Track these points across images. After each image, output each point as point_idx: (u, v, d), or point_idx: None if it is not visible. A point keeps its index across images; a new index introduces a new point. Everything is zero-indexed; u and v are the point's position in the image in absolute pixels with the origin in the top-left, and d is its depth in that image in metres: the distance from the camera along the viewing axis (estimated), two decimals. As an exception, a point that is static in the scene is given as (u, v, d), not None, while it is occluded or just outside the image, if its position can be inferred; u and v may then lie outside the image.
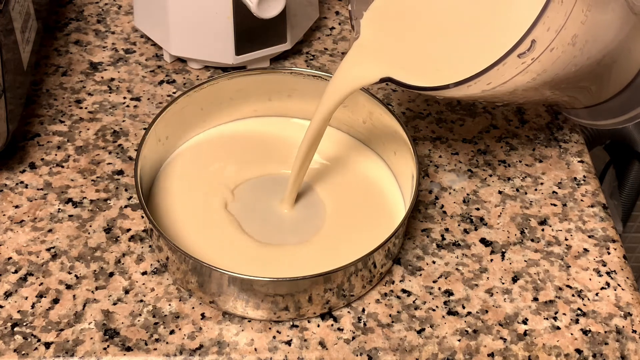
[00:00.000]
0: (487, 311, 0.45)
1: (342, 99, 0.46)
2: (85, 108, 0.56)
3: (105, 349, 0.42)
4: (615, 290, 0.47)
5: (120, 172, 0.52)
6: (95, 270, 0.46)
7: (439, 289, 0.46)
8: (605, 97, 0.51)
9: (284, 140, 0.53)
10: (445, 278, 0.47)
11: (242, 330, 0.43)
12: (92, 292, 0.45)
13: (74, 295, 0.45)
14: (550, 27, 0.38)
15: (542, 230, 0.50)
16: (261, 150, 0.53)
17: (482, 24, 0.46)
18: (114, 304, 0.44)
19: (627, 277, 0.47)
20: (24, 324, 0.43)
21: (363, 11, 0.47)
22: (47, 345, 0.42)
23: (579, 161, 0.55)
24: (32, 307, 0.44)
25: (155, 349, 0.42)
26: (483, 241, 0.49)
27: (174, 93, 0.58)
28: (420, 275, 0.47)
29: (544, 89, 0.46)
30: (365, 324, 0.44)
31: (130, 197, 0.50)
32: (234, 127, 0.54)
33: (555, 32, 0.39)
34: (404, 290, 0.46)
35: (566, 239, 0.49)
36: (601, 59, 0.47)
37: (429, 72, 0.44)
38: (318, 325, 0.44)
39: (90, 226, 0.48)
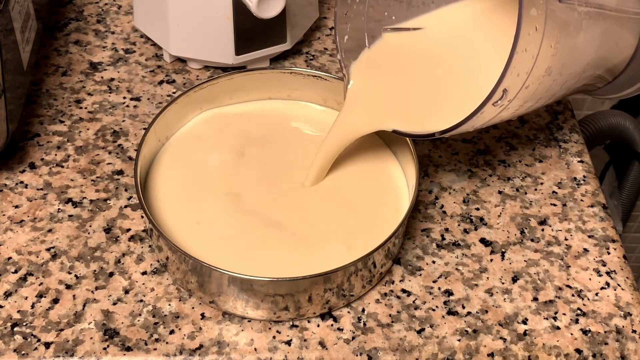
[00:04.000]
0: (487, 311, 0.45)
1: (340, 149, 0.48)
2: (85, 108, 0.56)
3: (105, 349, 0.42)
4: (615, 290, 0.47)
5: (120, 172, 0.52)
6: (95, 270, 0.46)
7: (439, 289, 0.46)
8: (616, 73, 0.51)
9: (281, 121, 0.53)
10: (445, 278, 0.47)
11: (242, 330, 0.43)
12: (92, 292, 0.45)
13: (73, 295, 0.45)
14: (520, 72, 0.39)
15: (542, 230, 0.50)
16: (254, 130, 0.52)
17: (462, 73, 0.48)
18: (114, 304, 0.44)
19: (627, 277, 0.47)
20: (24, 324, 0.43)
21: (352, 59, 0.49)
22: (47, 345, 0.42)
23: (578, 161, 0.55)
24: (32, 307, 0.44)
25: (155, 349, 0.42)
26: (483, 241, 0.49)
27: (174, 93, 0.58)
28: (420, 275, 0.47)
29: (537, 105, 0.46)
30: (365, 324, 0.44)
31: (130, 197, 0.50)
32: (222, 111, 0.53)
33: (526, 73, 0.40)
34: (403, 290, 0.46)
35: (566, 239, 0.49)
36: (585, 66, 0.47)
37: (416, 119, 0.47)
38: (318, 325, 0.44)
39: (90, 226, 0.48)
